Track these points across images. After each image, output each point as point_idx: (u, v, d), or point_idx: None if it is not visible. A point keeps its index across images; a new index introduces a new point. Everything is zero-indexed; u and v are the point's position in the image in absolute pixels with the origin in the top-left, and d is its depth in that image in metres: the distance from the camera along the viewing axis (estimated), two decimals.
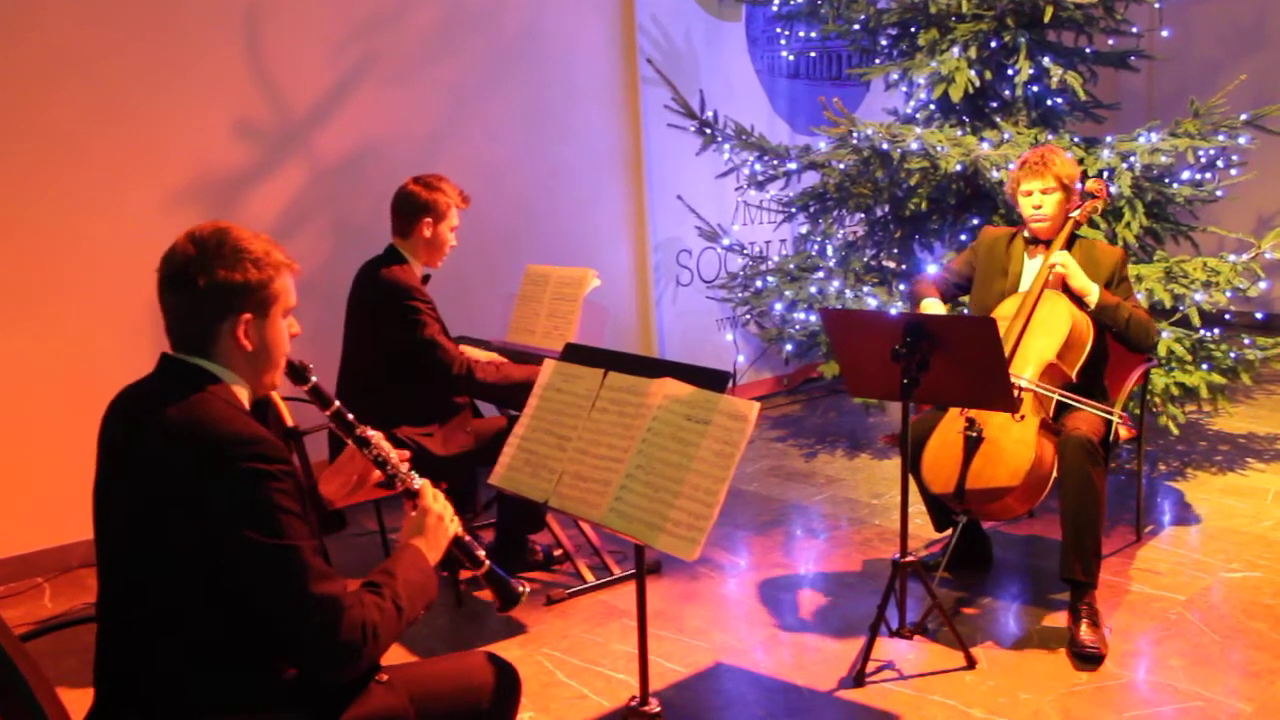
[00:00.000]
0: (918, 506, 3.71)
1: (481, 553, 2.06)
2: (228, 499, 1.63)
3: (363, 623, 1.68)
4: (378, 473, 2.05)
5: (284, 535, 1.64)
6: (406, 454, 2.07)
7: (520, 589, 2.07)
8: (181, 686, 1.68)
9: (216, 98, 4.27)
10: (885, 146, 4.71)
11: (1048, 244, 3.48)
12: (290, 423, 3.27)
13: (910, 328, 2.93)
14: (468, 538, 2.05)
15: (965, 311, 3.98)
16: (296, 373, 1.94)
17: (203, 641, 1.68)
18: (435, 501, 2.00)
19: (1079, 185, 3.53)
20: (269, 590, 1.64)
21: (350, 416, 2.00)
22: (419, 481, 2.02)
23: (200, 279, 1.72)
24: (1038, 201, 3.45)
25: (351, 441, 2.01)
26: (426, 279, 3.60)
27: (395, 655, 1.89)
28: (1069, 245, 3.48)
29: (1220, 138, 4.62)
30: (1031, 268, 3.54)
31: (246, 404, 1.79)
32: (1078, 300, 3.38)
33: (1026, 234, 3.56)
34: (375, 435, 2.03)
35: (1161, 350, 4.53)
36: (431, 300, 3.52)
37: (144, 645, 1.70)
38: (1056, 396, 3.27)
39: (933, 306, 3.58)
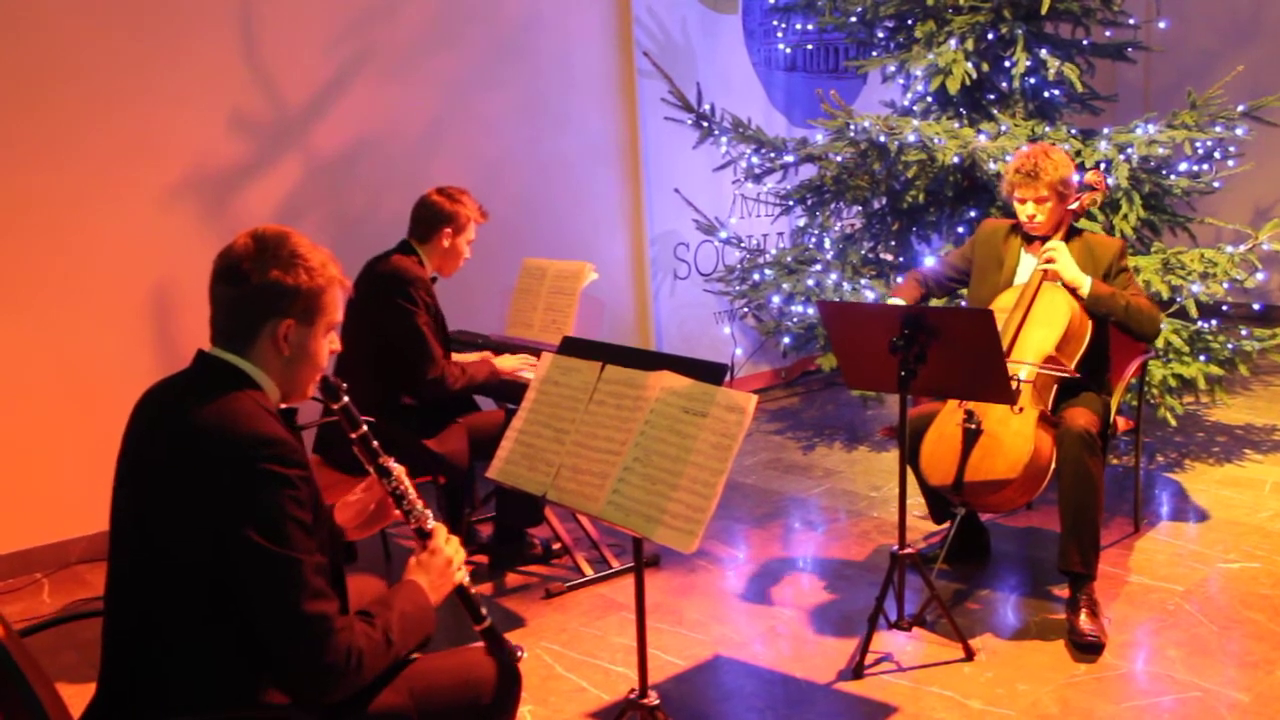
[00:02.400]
0: (916, 498, 3.71)
1: (484, 610, 2.03)
2: (238, 497, 1.62)
3: (348, 648, 1.66)
4: (396, 510, 2.02)
5: (287, 544, 1.63)
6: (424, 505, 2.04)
7: (519, 654, 2.02)
8: (184, 682, 1.68)
9: (212, 91, 4.25)
10: (882, 139, 4.71)
11: (1045, 239, 3.48)
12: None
13: (908, 320, 2.93)
14: (474, 589, 2.02)
15: (963, 304, 3.98)
16: (330, 390, 1.93)
17: (207, 639, 1.67)
18: (447, 545, 1.98)
19: (1079, 175, 3.52)
20: (261, 598, 1.63)
21: (376, 444, 1.97)
22: (432, 523, 2.00)
23: (253, 275, 1.74)
24: (1031, 211, 3.44)
25: (373, 470, 1.99)
26: (433, 280, 3.60)
27: None
28: (1067, 239, 3.47)
29: (1217, 129, 4.61)
30: (1028, 262, 3.54)
31: (275, 407, 1.78)
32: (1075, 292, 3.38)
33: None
34: (398, 469, 2.00)
35: (1159, 342, 4.53)
36: (434, 299, 3.52)
37: (149, 641, 1.69)
38: (1058, 374, 3.26)
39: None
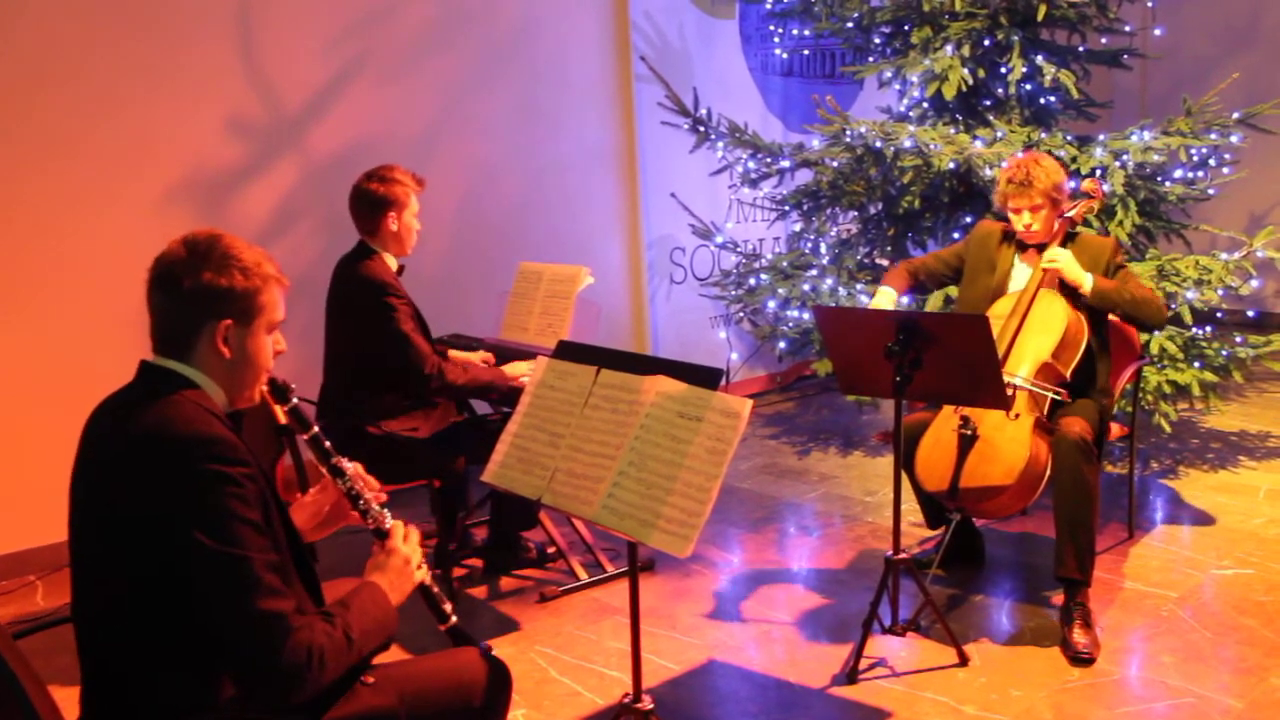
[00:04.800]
0: (911, 504, 3.71)
1: (449, 608, 2.01)
2: (181, 501, 1.60)
3: (309, 646, 1.62)
4: (352, 510, 1.98)
5: (235, 544, 1.60)
6: (382, 495, 2.00)
7: (484, 647, 2.00)
8: (157, 688, 1.66)
9: (209, 94, 4.25)
10: (878, 144, 4.71)
11: (1041, 247, 3.49)
12: (282, 420, 3.24)
13: (903, 325, 2.94)
14: (436, 589, 2.00)
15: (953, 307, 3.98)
16: (279, 391, 1.90)
17: (176, 645, 1.65)
18: (405, 543, 1.94)
19: (1074, 182, 3.53)
20: (213, 600, 1.60)
21: (328, 444, 1.95)
22: (390, 522, 1.96)
23: (186, 281, 1.71)
24: (1027, 220, 3.45)
25: (326, 470, 1.95)
26: (401, 270, 3.58)
27: (387, 653, 1.88)
28: (1064, 245, 3.48)
29: (1212, 136, 4.63)
30: (1022, 269, 3.54)
31: (220, 410, 1.75)
32: (1074, 297, 3.39)
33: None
34: (352, 467, 1.97)
35: (1154, 348, 4.54)
36: (407, 296, 3.50)
37: (118, 648, 1.68)
38: (1051, 395, 3.27)
39: (883, 297, 3.60)
